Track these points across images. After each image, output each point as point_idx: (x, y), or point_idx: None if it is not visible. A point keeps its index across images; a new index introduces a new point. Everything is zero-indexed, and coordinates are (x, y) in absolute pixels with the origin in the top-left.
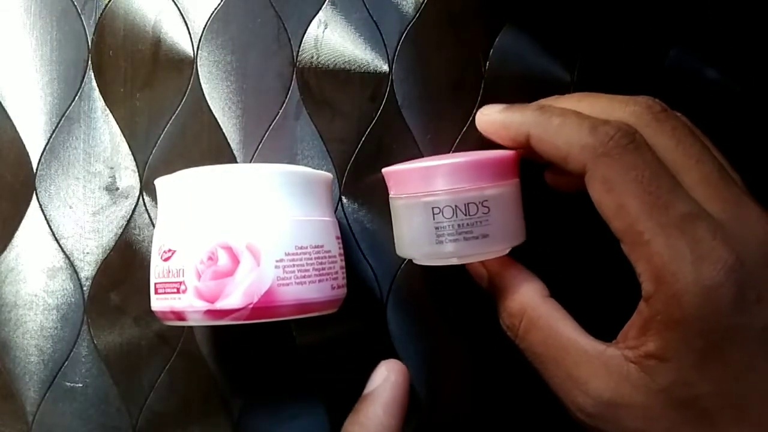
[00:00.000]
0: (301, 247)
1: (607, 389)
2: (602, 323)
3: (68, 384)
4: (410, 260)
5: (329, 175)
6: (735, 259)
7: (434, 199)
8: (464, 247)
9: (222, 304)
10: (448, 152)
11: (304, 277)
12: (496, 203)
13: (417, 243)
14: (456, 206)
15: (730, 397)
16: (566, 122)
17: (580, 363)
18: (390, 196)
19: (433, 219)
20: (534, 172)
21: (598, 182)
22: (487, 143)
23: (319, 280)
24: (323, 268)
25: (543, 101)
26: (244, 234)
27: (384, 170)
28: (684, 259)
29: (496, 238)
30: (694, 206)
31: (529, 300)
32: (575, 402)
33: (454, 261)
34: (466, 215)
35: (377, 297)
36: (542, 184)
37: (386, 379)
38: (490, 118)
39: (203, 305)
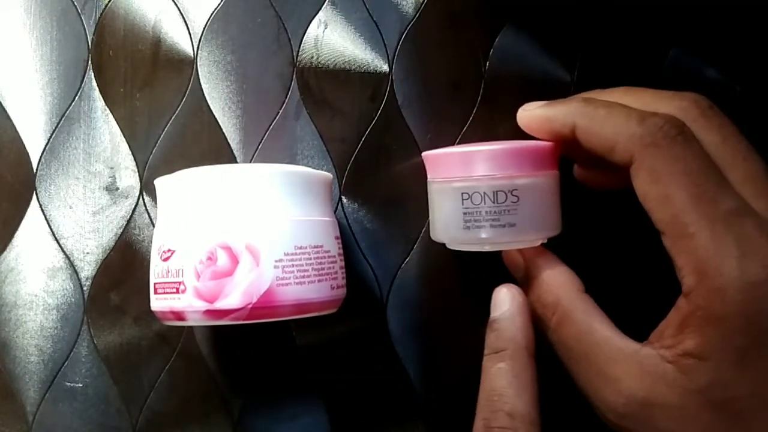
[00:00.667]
0: (300, 247)
1: (641, 389)
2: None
3: (68, 384)
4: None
5: (329, 175)
6: None
7: (464, 185)
8: (493, 234)
9: (221, 304)
10: None
11: (303, 277)
12: (527, 193)
13: (447, 227)
14: (485, 193)
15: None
16: (613, 113)
17: (613, 361)
18: (428, 180)
19: (462, 204)
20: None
21: (644, 172)
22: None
23: (319, 280)
24: (323, 268)
25: (585, 94)
26: (244, 234)
27: (423, 154)
28: (729, 254)
29: (526, 228)
30: (741, 202)
31: (564, 293)
32: (606, 400)
33: (487, 248)
34: (494, 203)
35: (377, 297)
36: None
37: (512, 302)
38: (532, 113)
39: (202, 305)
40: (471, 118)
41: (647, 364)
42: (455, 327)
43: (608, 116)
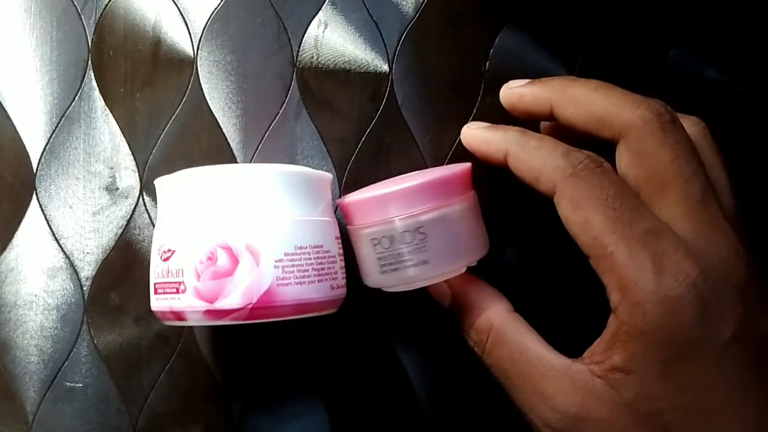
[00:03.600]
0: (300, 247)
1: (573, 404)
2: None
3: (68, 384)
4: None
5: (329, 175)
6: (698, 274)
7: (372, 231)
8: (404, 276)
9: (221, 304)
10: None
11: (303, 277)
12: (433, 228)
13: (368, 273)
14: (392, 236)
15: (690, 411)
16: (543, 145)
17: (546, 378)
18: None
19: (374, 250)
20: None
21: (566, 200)
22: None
23: (319, 281)
24: (323, 269)
25: (559, 78)
26: (244, 234)
27: (338, 202)
28: (645, 269)
29: (441, 262)
30: (657, 223)
31: (495, 315)
32: (541, 417)
33: (413, 286)
34: (402, 244)
35: (377, 297)
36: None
37: None
38: (474, 132)
39: (202, 305)
40: (471, 118)
41: (578, 379)
42: (455, 327)
43: (537, 148)
